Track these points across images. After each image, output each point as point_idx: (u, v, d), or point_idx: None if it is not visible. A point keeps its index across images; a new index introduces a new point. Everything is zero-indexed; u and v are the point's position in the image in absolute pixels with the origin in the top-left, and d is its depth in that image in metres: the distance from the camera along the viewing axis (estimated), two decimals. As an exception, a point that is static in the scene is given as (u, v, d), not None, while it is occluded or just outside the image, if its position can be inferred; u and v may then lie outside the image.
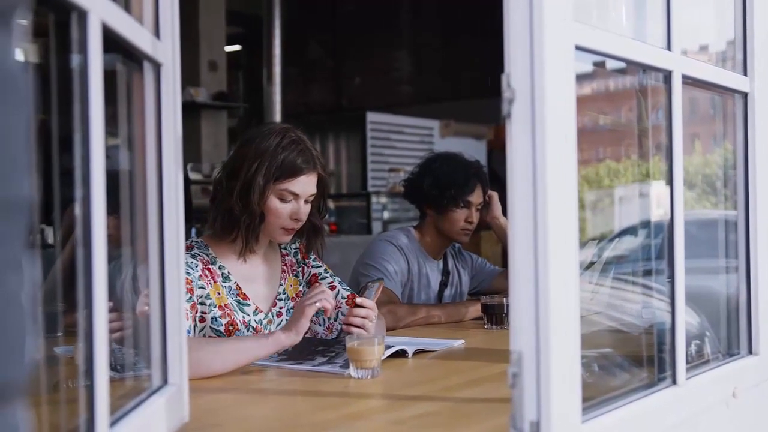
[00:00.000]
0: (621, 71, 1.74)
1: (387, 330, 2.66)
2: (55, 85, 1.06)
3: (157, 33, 1.36)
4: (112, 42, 1.11)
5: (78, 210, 1.00)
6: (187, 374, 1.43)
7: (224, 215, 2.22)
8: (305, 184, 2.23)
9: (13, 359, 0.57)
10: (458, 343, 2.39)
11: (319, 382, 1.88)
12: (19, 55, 0.62)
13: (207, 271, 2.20)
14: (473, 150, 6.42)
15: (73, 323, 1.14)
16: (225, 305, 2.21)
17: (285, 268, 2.40)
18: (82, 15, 0.99)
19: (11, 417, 0.57)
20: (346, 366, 1.93)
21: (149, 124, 1.36)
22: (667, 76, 1.52)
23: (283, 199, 2.21)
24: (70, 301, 1.13)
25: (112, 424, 1.08)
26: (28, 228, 0.60)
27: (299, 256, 2.44)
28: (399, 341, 2.20)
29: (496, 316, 2.67)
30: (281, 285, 2.37)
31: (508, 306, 2.66)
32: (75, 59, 1.01)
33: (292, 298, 2.38)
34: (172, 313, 1.39)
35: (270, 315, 2.31)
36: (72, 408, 1.12)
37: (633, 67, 1.62)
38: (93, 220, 1.00)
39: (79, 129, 1.00)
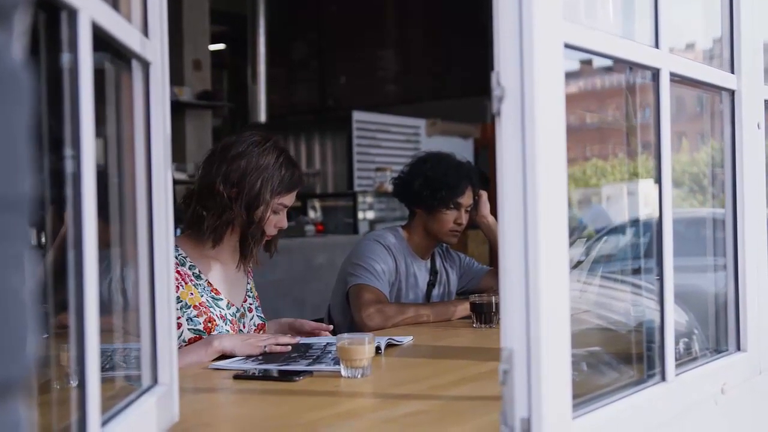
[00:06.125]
0: (607, 69, 1.74)
1: (376, 329, 2.67)
2: (44, 84, 1.05)
3: (145, 31, 1.35)
4: (101, 40, 1.10)
5: (68, 210, 1.00)
6: (177, 374, 1.43)
7: (225, 225, 2.29)
8: (294, 197, 2.37)
9: (15, 356, 0.57)
10: (407, 339, 2.39)
11: (308, 381, 1.87)
12: (19, 54, 0.62)
13: (176, 274, 2.23)
14: (460, 149, 6.43)
15: (60, 324, 1.13)
16: (200, 304, 2.27)
17: (249, 269, 2.50)
18: (72, 13, 0.99)
19: (14, 413, 0.57)
20: (337, 362, 1.92)
21: (138, 123, 1.35)
22: (655, 73, 1.53)
23: (276, 212, 2.32)
24: (56, 301, 1.13)
25: (104, 423, 1.07)
26: (28, 225, 0.60)
27: (251, 266, 2.55)
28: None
29: (485, 314, 2.68)
30: (248, 283, 2.48)
31: (496, 305, 2.69)
32: (64, 57, 1.00)
33: (256, 297, 2.50)
34: (161, 314, 1.38)
35: (242, 309, 2.40)
36: (61, 408, 1.12)
37: (620, 65, 1.62)
38: (84, 220, 0.99)
39: (69, 128, 0.99)
